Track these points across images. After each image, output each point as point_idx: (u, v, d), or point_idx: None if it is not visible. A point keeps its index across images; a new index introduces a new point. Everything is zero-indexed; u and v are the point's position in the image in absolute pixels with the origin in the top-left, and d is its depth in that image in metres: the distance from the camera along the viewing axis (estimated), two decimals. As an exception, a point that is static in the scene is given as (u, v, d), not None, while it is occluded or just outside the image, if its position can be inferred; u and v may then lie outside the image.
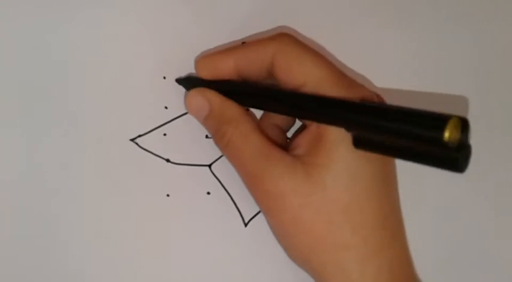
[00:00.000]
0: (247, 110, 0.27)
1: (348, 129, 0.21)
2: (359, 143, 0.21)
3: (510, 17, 0.31)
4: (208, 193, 0.27)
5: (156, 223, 0.27)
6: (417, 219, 0.27)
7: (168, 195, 0.27)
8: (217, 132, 0.25)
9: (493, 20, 0.30)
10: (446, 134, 0.17)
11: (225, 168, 0.28)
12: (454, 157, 0.18)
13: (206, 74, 0.26)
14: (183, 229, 0.27)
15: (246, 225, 0.28)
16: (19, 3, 0.26)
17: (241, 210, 0.28)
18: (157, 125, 0.27)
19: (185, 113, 0.28)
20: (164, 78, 0.27)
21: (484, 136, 0.29)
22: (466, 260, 0.29)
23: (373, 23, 0.29)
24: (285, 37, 0.24)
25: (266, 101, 0.25)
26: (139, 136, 0.27)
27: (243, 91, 0.25)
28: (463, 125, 0.18)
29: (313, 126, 0.23)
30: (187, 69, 0.28)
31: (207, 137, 0.28)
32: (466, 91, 0.30)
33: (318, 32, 0.28)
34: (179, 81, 0.27)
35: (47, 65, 0.26)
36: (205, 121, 0.26)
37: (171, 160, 0.27)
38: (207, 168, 0.28)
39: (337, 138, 0.22)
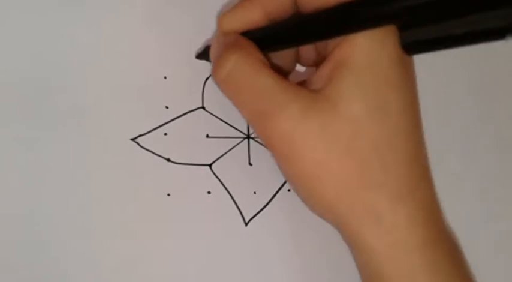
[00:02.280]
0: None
1: (400, 16, 0.18)
2: (410, 43, 0.18)
3: None
4: (209, 192, 0.27)
5: (156, 223, 0.27)
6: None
7: (168, 195, 0.27)
8: (218, 59, 0.21)
9: None
10: None
11: (225, 168, 0.28)
12: None
13: (231, 30, 0.22)
14: (184, 229, 0.27)
15: (246, 224, 0.28)
16: (21, 2, 0.26)
17: (241, 210, 0.28)
18: (158, 125, 0.27)
19: (186, 113, 0.28)
20: (165, 78, 0.28)
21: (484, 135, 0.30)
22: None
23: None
24: None
25: (291, 33, 0.21)
26: (140, 136, 0.27)
27: (264, 32, 0.22)
28: None
29: (335, 54, 0.20)
30: (188, 69, 0.28)
31: (207, 136, 0.28)
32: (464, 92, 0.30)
33: None
34: (200, 56, 0.26)
35: (47, 64, 0.26)
36: (211, 49, 0.22)
37: (172, 160, 0.27)
38: (208, 167, 0.28)
39: (365, 59, 0.19)
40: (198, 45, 0.28)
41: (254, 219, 0.28)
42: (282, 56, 0.24)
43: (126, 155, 0.27)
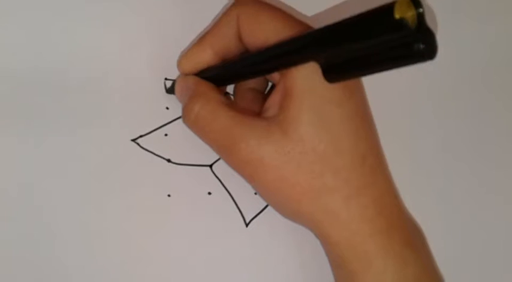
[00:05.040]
0: (225, 91, 0.28)
1: (317, 55, 0.21)
2: (330, 75, 0.21)
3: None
4: (209, 193, 0.27)
5: (157, 223, 0.27)
6: (417, 217, 0.27)
7: (169, 196, 0.27)
8: (185, 108, 0.25)
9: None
10: (397, 13, 0.16)
11: (226, 169, 0.27)
12: (416, 40, 0.17)
13: (189, 71, 0.26)
14: (184, 229, 0.27)
15: (247, 225, 0.28)
16: (20, 2, 0.27)
17: (242, 210, 0.28)
18: (158, 126, 0.27)
19: (186, 114, 0.28)
20: (166, 79, 0.28)
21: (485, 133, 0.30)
22: (467, 259, 0.29)
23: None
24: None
25: (239, 70, 0.25)
26: (141, 136, 0.27)
27: (219, 70, 0.25)
28: (414, 2, 0.17)
29: (281, 84, 0.23)
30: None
31: (208, 137, 0.28)
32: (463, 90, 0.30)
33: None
34: (169, 90, 0.28)
35: (48, 65, 0.27)
36: (181, 101, 0.26)
37: (172, 160, 0.27)
38: (208, 168, 0.28)
39: (305, 87, 0.22)
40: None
41: (255, 220, 0.28)
42: (253, 80, 0.27)
43: (127, 155, 0.27)
